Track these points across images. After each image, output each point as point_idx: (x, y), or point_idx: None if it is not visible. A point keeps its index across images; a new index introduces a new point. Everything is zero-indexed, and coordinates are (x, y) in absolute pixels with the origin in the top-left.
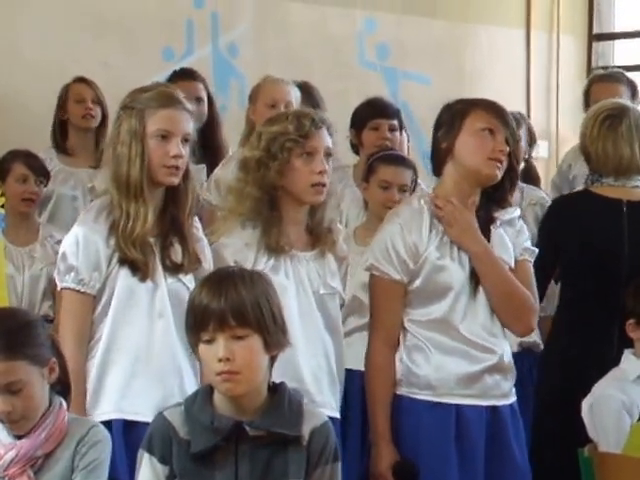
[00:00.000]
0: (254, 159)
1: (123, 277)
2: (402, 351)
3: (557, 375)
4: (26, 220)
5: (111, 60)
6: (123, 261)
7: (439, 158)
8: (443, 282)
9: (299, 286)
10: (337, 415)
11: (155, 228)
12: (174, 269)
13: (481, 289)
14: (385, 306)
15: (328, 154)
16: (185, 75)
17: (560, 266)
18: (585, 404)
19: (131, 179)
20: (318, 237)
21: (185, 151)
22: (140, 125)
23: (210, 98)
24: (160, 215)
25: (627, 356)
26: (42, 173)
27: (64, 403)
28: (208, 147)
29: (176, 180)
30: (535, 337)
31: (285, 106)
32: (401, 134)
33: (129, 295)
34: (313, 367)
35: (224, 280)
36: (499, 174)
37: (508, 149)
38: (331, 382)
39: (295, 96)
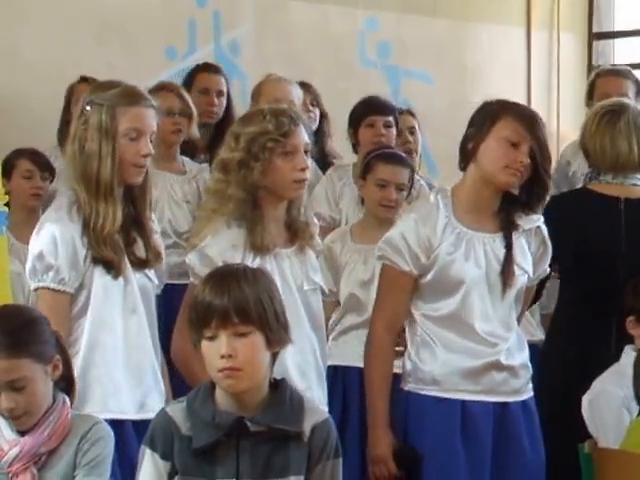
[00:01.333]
0: (235, 160)
1: (98, 275)
2: (410, 348)
3: (557, 375)
4: (33, 217)
5: (113, 59)
6: (97, 260)
7: (465, 156)
8: (455, 277)
9: (284, 283)
10: (326, 408)
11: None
12: (140, 264)
13: (509, 290)
14: (391, 295)
15: (306, 150)
16: (209, 68)
17: (558, 264)
18: (585, 400)
19: (101, 178)
20: (296, 232)
21: (152, 149)
22: (112, 123)
23: (229, 96)
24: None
25: (627, 352)
26: (47, 169)
27: (67, 400)
28: (219, 144)
29: (141, 179)
30: (541, 335)
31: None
32: (397, 131)
33: (105, 293)
34: (301, 363)
35: (227, 277)
36: (515, 182)
37: (529, 161)
38: (319, 377)
39: (297, 95)
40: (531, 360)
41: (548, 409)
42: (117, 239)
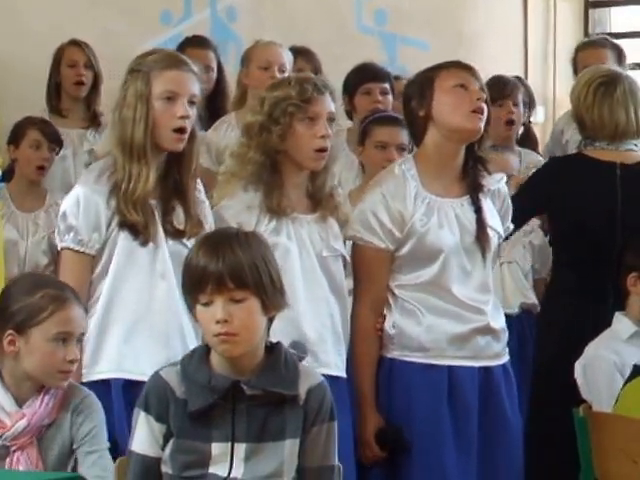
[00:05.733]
0: (257, 124)
1: (123, 239)
2: (394, 315)
3: (554, 340)
4: (34, 186)
5: (109, 24)
6: (123, 224)
7: (418, 128)
8: (432, 247)
9: (301, 247)
10: (343, 374)
11: (157, 191)
12: (175, 234)
13: (486, 254)
14: (371, 274)
15: (331, 119)
16: (196, 43)
17: (553, 229)
18: (578, 365)
19: (134, 140)
20: (319, 202)
21: (192, 112)
22: (146, 87)
23: (220, 67)
24: (163, 179)
25: (618, 317)
26: (55, 140)
27: None
28: (213, 116)
29: (182, 146)
30: (534, 299)
31: (279, 68)
32: (394, 97)
33: (129, 256)
34: (317, 327)
35: (221, 242)
36: (482, 126)
37: (485, 96)
38: (336, 342)
39: (288, 59)
40: (531, 325)
41: (545, 374)
42: (151, 205)
